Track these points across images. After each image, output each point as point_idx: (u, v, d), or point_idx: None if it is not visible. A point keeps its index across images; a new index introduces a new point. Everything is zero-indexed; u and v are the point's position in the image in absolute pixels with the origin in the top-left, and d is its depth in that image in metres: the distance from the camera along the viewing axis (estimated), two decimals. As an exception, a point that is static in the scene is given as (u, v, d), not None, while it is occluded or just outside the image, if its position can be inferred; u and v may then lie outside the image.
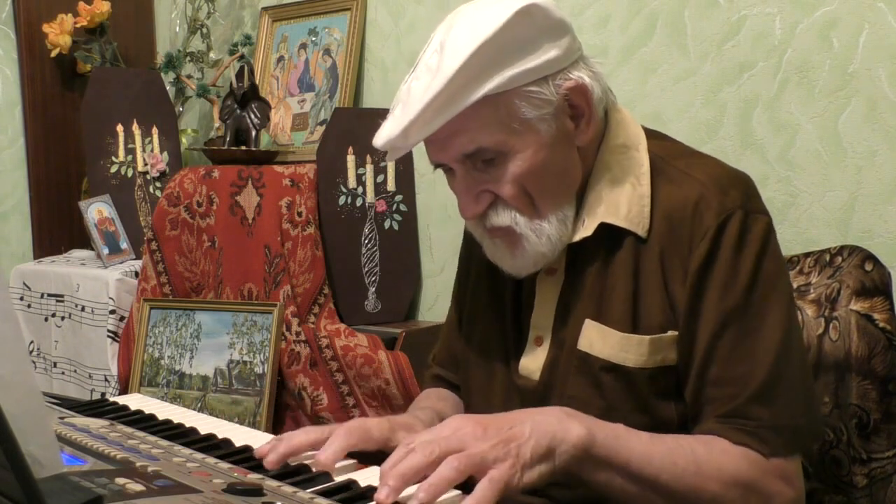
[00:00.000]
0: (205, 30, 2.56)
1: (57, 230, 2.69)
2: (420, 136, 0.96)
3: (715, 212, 0.97)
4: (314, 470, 0.90)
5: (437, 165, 1.04)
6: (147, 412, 1.10)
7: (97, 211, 2.32)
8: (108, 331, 2.17)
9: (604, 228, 1.01)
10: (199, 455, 0.90)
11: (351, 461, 0.94)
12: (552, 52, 0.96)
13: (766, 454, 0.94)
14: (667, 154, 1.04)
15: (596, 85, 1.01)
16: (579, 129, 1.01)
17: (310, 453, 0.95)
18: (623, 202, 1.01)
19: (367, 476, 0.88)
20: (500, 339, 1.11)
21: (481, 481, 0.80)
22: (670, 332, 0.98)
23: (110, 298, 2.17)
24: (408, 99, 0.96)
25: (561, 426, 0.87)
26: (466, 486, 0.81)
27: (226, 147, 2.25)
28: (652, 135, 1.07)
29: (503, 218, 1.00)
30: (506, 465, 0.81)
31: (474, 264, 1.18)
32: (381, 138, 0.99)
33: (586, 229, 1.01)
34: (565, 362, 1.03)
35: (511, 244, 1.01)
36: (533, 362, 1.07)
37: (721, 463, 0.92)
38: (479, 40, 0.92)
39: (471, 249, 1.20)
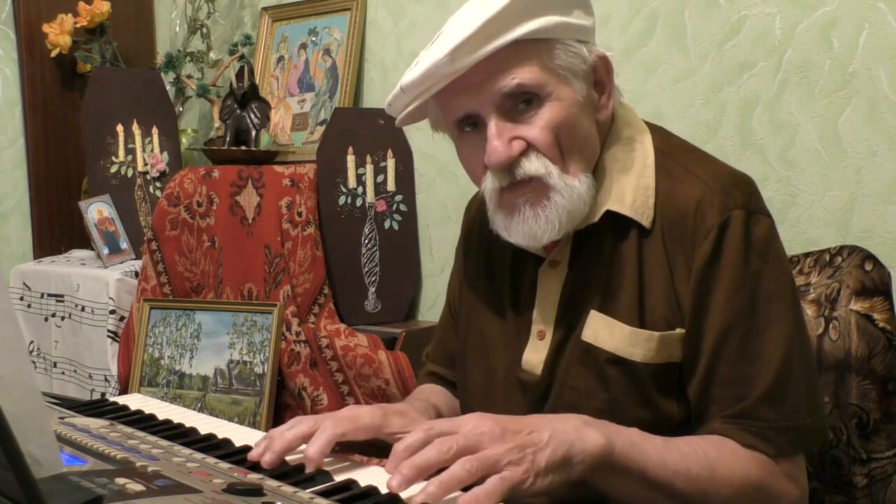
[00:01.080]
0: (205, 30, 2.56)
1: (57, 230, 2.69)
2: (466, 61, 0.94)
3: (717, 211, 0.97)
4: (311, 468, 0.90)
5: (461, 121, 1.01)
6: (147, 412, 1.10)
7: (97, 211, 2.32)
8: (108, 331, 2.17)
9: (609, 218, 1.01)
10: (199, 455, 0.90)
11: (348, 461, 0.94)
12: (585, 20, 1.00)
13: (773, 455, 0.94)
14: (669, 149, 1.05)
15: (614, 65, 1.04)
16: (601, 103, 1.03)
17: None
18: (628, 192, 1.01)
19: (367, 476, 0.88)
20: (500, 335, 1.11)
21: (492, 477, 0.79)
22: (678, 330, 0.98)
23: (110, 298, 2.17)
24: (446, 39, 0.95)
25: (579, 435, 0.86)
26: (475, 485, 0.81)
27: (226, 147, 2.25)
28: (655, 129, 1.08)
29: (536, 166, 0.97)
30: (519, 469, 0.81)
31: (471, 260, 1.18)
32: (419, 69, 0.97)
33: (594, 215, 1.02)
34: (569, 354, 1.03)
35: (536, 201, 0.98)
36: (535, 356, 1.06)
37: (732, 467, 0.92)
38: None
39: (468, 244, 1.19)
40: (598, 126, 1.03)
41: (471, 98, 0.98)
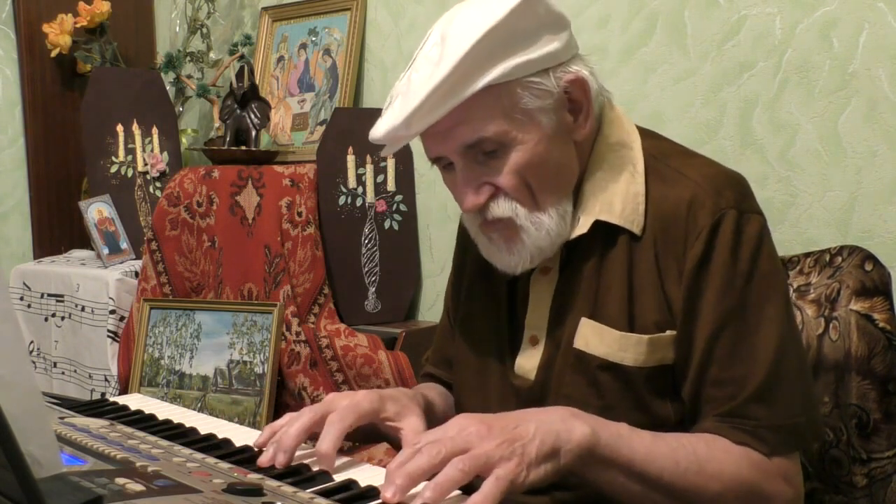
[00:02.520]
0: (205, 30, 2.56)
1: (57, 230, 2.69)
2: (423, 125, 0.96)
3: (709, 211, 0.97)
4: (314, 468, 0.90)
5: (434, 160, 1.03)
6: (147, 412, 1.10)
7: (97, 211, 2.32)
8: (108, 331, 2.17)
9: (598, 226, 1.01)
10: (199, 455, 0.90)
11: (348, 461, 0.94)
12: (553, 44, 0.97)
13: (766, 453, 0.94)
14: (660, 153, 1.04)
15: (593, 80, 1.01)
16: (577, 124, 1.01)
17: (310, 451, 0.95)
18: (618, 200, 1.01)
19: (367, 476, 0.88)
20: (495, 340, 1.11)
21: (487, 479, 0.80)
22: (668, 332, 0.98)
23: (110, 298, 2.17)
24: (408, 90, 0.95)
25: (565, 425, 0.86)
26: (470, 487, 0.81)
27: (226, 147, 2.25)
28: (646, 134, 1.07)
29: (504, 209, 0.99)
30: (511, 463, 0.81)
31: (468, 265, 1.18)
32: (380, 129, 0.99)
33: (581, 227, 1.01)
34: (561, 361, 1.03)
35: (509, 238, 1.01)
36: (528, 362, 1.07)
37: (722, 462, 0.92)
38: (483, 29, 0.92)
39: (464, 250, 1.19)
40: (578, 145, 1.03)
41: (439, 144, 1.00)
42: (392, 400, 1.03)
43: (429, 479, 0.79)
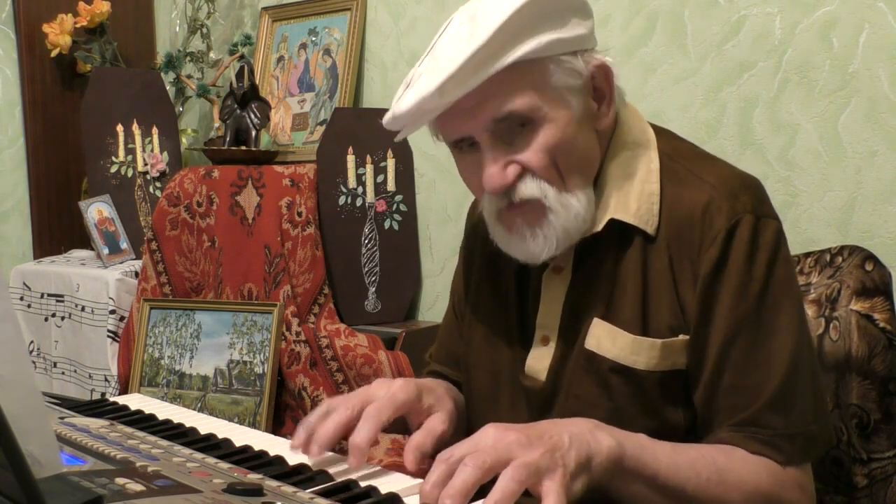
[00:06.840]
0: (205, 30, 2.56)
1: (57, 230, 2.69)
2: (455, 94, 0.92)
3: (725, 216, 0.95)
4: (314, 468, 0.90)
5: (457, 142, 1.00)
6: (147, 412, 1.10)
7: (97, 211, 2.32)
8: (108, 331, 2.17)
9: (612, 225, 1.00)
10: (199, 455, 0.90)
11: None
12: (581, 29, 0.97)
13: (781, 463, 0.93)
14: (676, 153, 1.03)
15: (616, 70, 1.01)
16: (600, 112, 1.00)
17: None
18: (633, 199, 0.99)
19: (367, 477, 0.88)
20: (504, 339, 1.09)
21: (546, 496, 0.77)
22: (682, 337, 0.97)
23: (110, 298, 2.17)
24: (436, 66, 0.93)
25: (593, 437, 0.85)
26: (481, 494, 0.79)
27: (226, 147, 2.25)
28: (661, 132, 1.06)
29: (532, 189, 0.96)
30: (558, 474, 0.79)
31: (476, 262, 1.16)
32: (406, 102, 0.95)
33: (596, 224, 1.00)
34: (573, 362, 1.01)
35: (534, 221, 0.98)
36: (539, 362, 1.05)
37: (742, 473, 0.91)
38: (515, 5, 0.91)
39: (472, 246, 1.18)
40: (598, 135, 1.01)
41: (465, 122, 0.96)
42: (428, 391, 1.01)
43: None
